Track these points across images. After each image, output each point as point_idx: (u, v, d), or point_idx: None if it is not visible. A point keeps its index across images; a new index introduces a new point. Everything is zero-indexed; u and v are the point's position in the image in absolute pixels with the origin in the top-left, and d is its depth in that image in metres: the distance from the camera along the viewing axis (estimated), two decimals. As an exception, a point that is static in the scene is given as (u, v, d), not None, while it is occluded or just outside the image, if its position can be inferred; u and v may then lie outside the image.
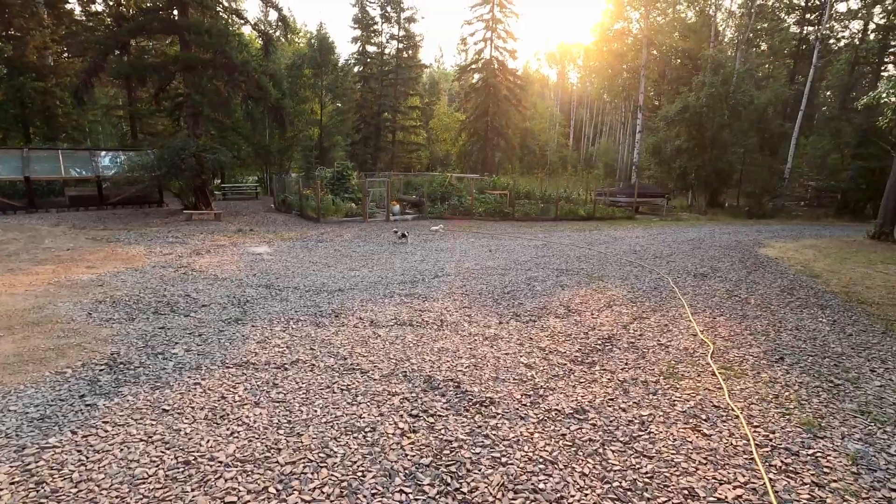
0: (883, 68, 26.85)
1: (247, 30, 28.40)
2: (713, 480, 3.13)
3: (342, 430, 3.58)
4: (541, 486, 3.04)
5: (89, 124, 32.90)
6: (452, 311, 7.08)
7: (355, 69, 37.40)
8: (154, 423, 3.57)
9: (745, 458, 3.38)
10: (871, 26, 30.45)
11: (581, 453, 3.39)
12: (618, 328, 6.48)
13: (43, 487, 2.86)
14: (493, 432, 3.62)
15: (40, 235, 12.59)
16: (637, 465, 3.27)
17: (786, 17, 34.26)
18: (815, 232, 18.93)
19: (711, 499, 2.97)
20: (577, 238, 15.62)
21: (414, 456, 3.29)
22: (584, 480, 3.10)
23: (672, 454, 3.40)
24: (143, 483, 2.92)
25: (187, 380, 4.33)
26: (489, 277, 9.59)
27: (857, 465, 3.33)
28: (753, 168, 25.83)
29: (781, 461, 3.36)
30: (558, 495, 2.95)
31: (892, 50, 27.52)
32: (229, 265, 9.74)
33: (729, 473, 3.21)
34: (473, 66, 37.99)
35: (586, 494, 2.97)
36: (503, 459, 3.29)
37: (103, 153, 21.04)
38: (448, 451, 3.35)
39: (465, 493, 2.93)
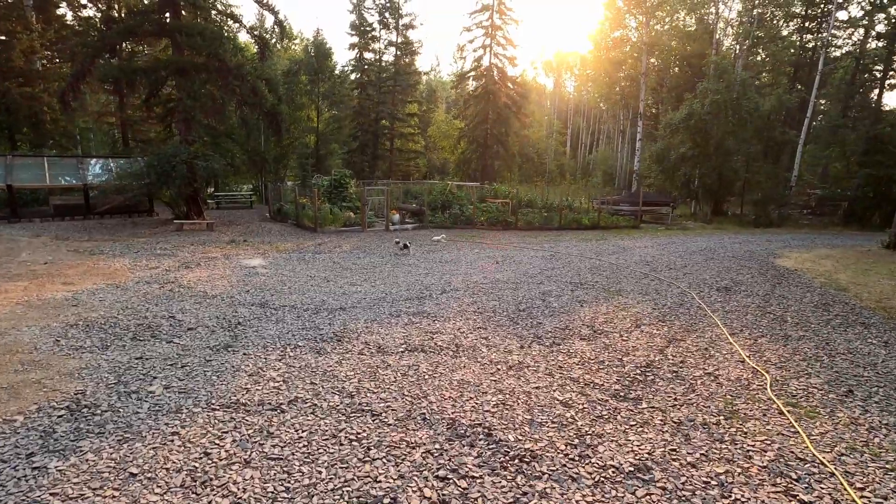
0: (890, 75, 26.54)
1: (243, 37, 27.84)
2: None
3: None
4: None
5: (80, 131, 32.12)
6: (467, 333, 6.38)
7: (352, 76, 36.85)
8: (116, 495, 2.84)
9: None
10: (872, 33, 30.34)
11: (656, 531, 2.70)
12: (654, 353, 5.80)
13: None
14: (543, 503, 2.91)
15: (18, 247, 11.80)
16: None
17: (785, 26, 34.12)
18: (827, 241, 18.39)
19: None
20: (584, 248, 15.00)
21: (447, 538, 2.57)
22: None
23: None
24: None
25: (164, 428, 3.60)
26: (500, 292, 8.92)
27: None
28: (757, 176, 25.39)
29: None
30: None
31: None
32: (220, 280, 9.00)
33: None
34: (472, 74, 37.51)
35: None
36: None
37: (93, 161, 20.28)
38: (489, 531, 2.64)
39: None
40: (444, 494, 2.95)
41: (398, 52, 35.79)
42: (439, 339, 6.11)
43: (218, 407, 3.98)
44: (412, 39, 35.89)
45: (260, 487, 2.94)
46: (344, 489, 2.96)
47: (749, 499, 2.99)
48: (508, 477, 3.15)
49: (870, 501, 2.99)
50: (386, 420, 3.86)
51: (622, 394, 4.59)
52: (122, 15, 18.53)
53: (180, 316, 6.49)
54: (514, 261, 12.37)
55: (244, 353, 5.26)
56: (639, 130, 37.27)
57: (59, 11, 26.64)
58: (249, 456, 3.28)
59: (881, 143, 23.21)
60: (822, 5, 31.87)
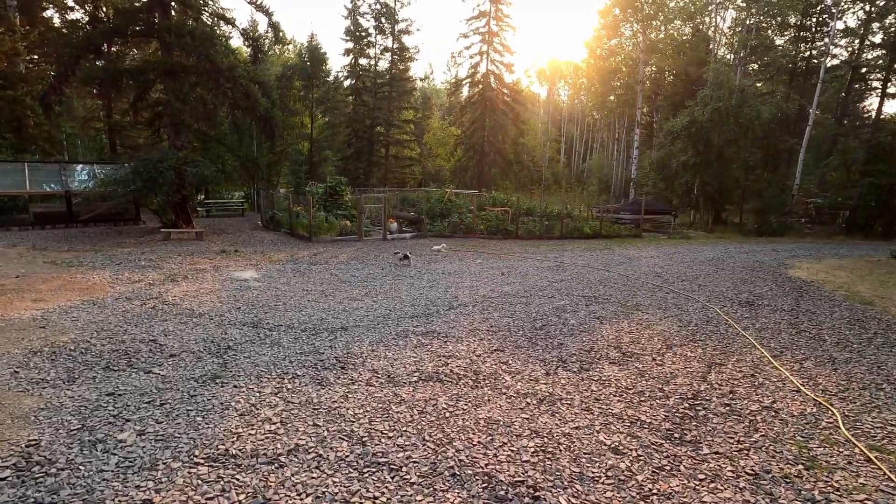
0: (889, 84, 26.48)
1: (235, 42, 27.18)
2: None
3: None
4: None
5: (67, 137, 31.16)
6: (484, 357, 5.74)
7: (347, 82, 36.26)
8: None
9: None
10: (868, 43, 30.40)
11: None
12: (696, 380, 5.19)
13: None
14: None
15: (-10, 259, 10.98)
16: None
17: (779, 36, 34.13)
18: (833, 251, 18.03)
19: None
20: (589, 258, 14.46)
21: None
22: None
23: None
24: None
25: (134, 494, 2.90)
26: (512, 307, 8.29)
27: None
28: (758, 184, 25.10)
29: None
30: None
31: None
32: (209, 295, 8.27)
33: None
34: (469, 80, 37.10)
35: None
36: None
37: (80, 167, 19.43)
38: None
39: None
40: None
41: (394, 58, 35.31)
42: (455, 365, 5.45)
43: (202, 460, 3.28)
44: (408, 45, 35.45)
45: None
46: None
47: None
48: (571, 562, 2.49)
49: None
50: (407, 477, 3.18)
51: (676, 435, 3.95)
52: (110, 15, 17.76)
53: (162, 339, 5.76)
54: (519, 272, 11.77)
55: (235, 386, 4.55)
56: (636, 139, 37.04)
57: (46, 14, 25.86)
58: (241, 535, 2.59)
59: (883, 151, 23.01)
60: (816, 16, 31.93)
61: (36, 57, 25.64)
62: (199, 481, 3.03)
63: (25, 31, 21.23)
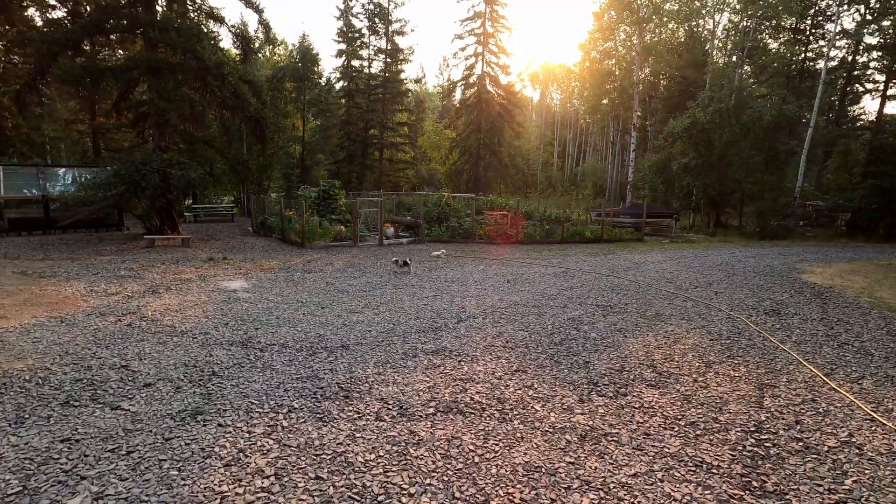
0: (891, 85, 26.28)
1: (226, 44, 26.35)
2: None
3: None
4: None
5: (50, 140, 30.07)
6: (505, 380, 5.06)
7: (340, 84, 35.51)
8: None
9: None
10: (863, 46, 30.30)
11: None
12: (752, 407, 4.54)
13: None
14: None
15: (-46, 269, 10.09)
16: None
17: (774, 39, 33.99)
18: (840, 255, 17.62)
19: None
20: (595, 263, 13.87)
21: None
22: None
23: None
24: None
25: None
26: (524, 319, 7.64)
27: None
28: (758, 186, 24.72)
29: None
30: None
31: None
32: (193, 309, 7.49)
33: None
34: (464, 82, 36.49)
35: None
36: None
37: (60, 170, 18.50)
38: None
39: None
40: None
41: (388, 59, 34.62)
42: (474, 391, 4.75)
43: (175, 536, 2.55)
44: (402, 46, 34.78)
45: None
46: None
47: None
48: None
49: None
50: (441, 557, 2.48)
51: (755, 483, 3.28)
52: (89, 10, 16.90)
53: (136, 364, 5.00)
54: (525, 279, 11.12)
55: (219, 424, 3.81)
56: (632, 141, 36.67)
57: (28, 14, 24.87)
58: None
59: (885, 153, 22.73)
60: (811, 18, 31.79)
61: (16, 58, 24.65)
62: (169, 572, 2.30)
63: (3, 30, 20.28)
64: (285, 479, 3.12)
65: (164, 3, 14.70)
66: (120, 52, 24.95)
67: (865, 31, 27.86)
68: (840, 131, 26.19)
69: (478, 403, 4.46)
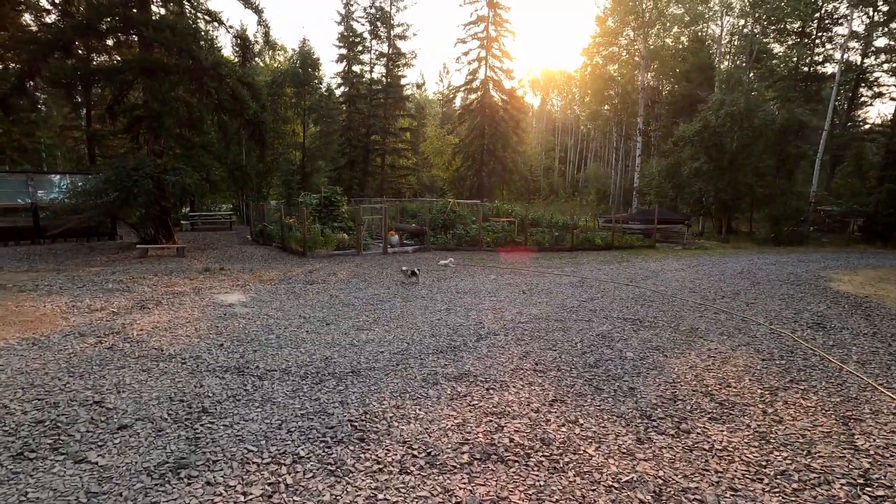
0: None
1: (226, 52, 25.75)
2: None
3: None
4: None
5: (45, 147, 29.43)
6: (544, 413, 4.34)
7: (341, 89, 34.94)
8: None
9: None
10: (872, 48, 29.83)
11: None
12: (845, 449, 3.82)
13: None
14: None
15: (-73, 282, 9.34)
16: None
17: (780, 42, 33.53)
18: (862, 261, 16.98)
19: None
20: (611, 272, 13.17)
21: None
22: None
23: None
24: None
25: None
26: (549, 335, 6.94)
27: None
28: (770, 191, 24.09)
29: None
30: None
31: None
32: (185, 327, 6.75)
33: None
34: (467, 87, 35.93)
35: None
36: None
37: (51, 177, 17.79)
38: None
39: None
40: None
41: (389, 64, 34.08)
42: (512, 429, 4.02)
43: None
44: (404, 50, 34.23)
45: None
46: None
47: None
48: None
49: None
50: None
51: (897, 565, 2.54)
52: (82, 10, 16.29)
53: (112, 398, 4.24)
54: (541, 290, 10.41)
55: (208, 483, 3.06)
56: (638, 146, 36.11)
57: (24, 20, 24.31)
58: None
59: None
60: (817, 21, 31.34)
61: (11, 64, 24.06)
62: None
63: (-6, 32, 19.69)
64: (291, 569, 2.38)
65: (160, 3, 14.09)
66: (117, 57, 24.45)
67: (876, 33, 27.42)
68: (851, 135, 25.58)
69: (519, 447, 3.73)
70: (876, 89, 30.32)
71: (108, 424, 3.78)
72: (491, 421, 4.18)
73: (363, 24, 33.20)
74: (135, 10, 13.31)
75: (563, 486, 3.20)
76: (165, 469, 3.20)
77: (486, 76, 34.12)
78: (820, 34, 32.14)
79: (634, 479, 3.32)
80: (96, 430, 3.70)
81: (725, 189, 22.98)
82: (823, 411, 4.56)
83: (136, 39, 14.58)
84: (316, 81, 31.04)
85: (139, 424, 3.80)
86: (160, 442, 3.55)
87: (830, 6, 30.53)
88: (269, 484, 3.09)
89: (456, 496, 3.04)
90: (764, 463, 3.60)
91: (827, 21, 31.54)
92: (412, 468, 3.35)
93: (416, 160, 39.89)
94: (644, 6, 32.74)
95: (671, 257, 17.32)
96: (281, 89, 27.89)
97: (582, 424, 4.20)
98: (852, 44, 28.53)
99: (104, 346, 5.78)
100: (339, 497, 2.98)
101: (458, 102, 39.56)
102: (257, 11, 15.97)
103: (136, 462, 3.28)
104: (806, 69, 31.80)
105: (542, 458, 3.56)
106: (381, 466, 3.36)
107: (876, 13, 28.24)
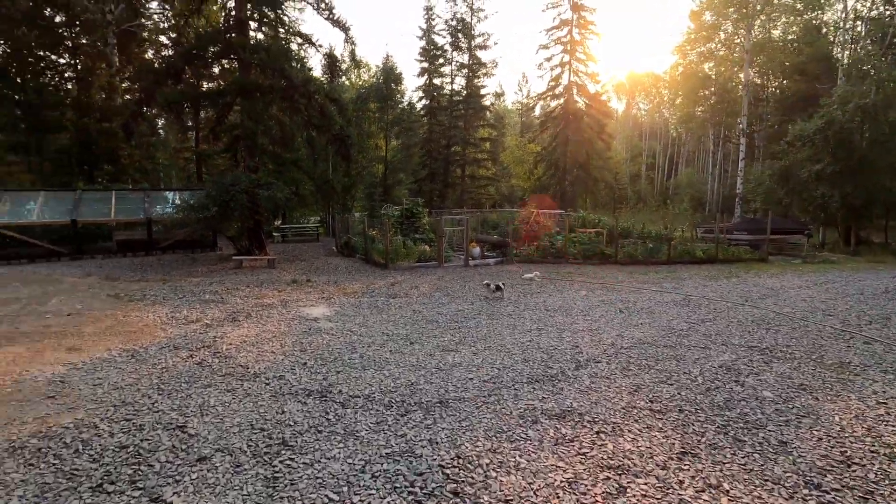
0: None
1: (316, 73, 27.13)
2: None
3: None
4: None
5: (162, 168, 32.88)
6: (673, 470, 3.50)
7: (422, 102, 35.49)
8: None
9: None
10: None
11: None
12: None
13: None
14: None
15: (55, 291, 10.30)
16: None
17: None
18: None
19: None
20: (719, 289, 11.59)
21: None
22: None
23: None
24: None
25: None
26: (661, 364, 5.98)
27: None
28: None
29: None
30: None
31: None
32: (271, 343, 6.66)
33: None
34: (550, 94, 34.89)
35: None
36: None
37: (165, 194, 19.55)
38: None
39: None
40: None
41: (469, 74, 34.04)
42: (638, 492, 3.24)
43: None
44: (485, 60, 34.05)
45: None
46: None
47: None
48: None
49: None
50: None
51: None
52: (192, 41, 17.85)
53: (195, 423, 4.06)
54: (640, 308, 9.30)
55: (283, 541, 2.65)
56: (741, 149, 32.82)
57: (147, 56, 27.40)
58: None
59: None
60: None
61: (132, 95, 27.16)
62: None
63: (121, 65, 22.18)
64: None
65: (255, 27, 14.94)
66: (221, 82, 26.65)
67: None
68: None
69: (657, 524, 2.94)
70: None
71: (187, 454, 3.55)
72: (609, 478, 3.43)
73: (444, 37, 33.57)
74: (233, 35, 14.15)
75: (727, 592, 2.39)
76: (240, 517, 2.84)
77: (570, 81, 32.89)
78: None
79: (828, 588, 2.43)
80: (176, 460, 3.48)
81: (855, 193, 19.89)
82: None
83: (236, 65, 15.65)
84: (398, 96, 31.73)
85: (218, 457, 3.53)
86: (237, 481, 3.23)
87: None
88: (352, 550, 2.61)
89: (581, 593, 2.35)
90: None
91: None
92: (520, 542, 2.71)
93: (496, 170, 39.33)
94: (748, -5, 29.88)
95: (789, 272, 15.12)
96: (365, 105, 28.79)
97: (728, 492, 3.31)
98: None
99: (194, 360, 5.77)
100: (433, 578, 2.42)
101: (538, 111, 38.65)
102: (344, 29, 16.41)
103: (212, 505, 2.96)
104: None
105: (689, 543, 2.76)
106: (481, 536, 2.76)
107: None
